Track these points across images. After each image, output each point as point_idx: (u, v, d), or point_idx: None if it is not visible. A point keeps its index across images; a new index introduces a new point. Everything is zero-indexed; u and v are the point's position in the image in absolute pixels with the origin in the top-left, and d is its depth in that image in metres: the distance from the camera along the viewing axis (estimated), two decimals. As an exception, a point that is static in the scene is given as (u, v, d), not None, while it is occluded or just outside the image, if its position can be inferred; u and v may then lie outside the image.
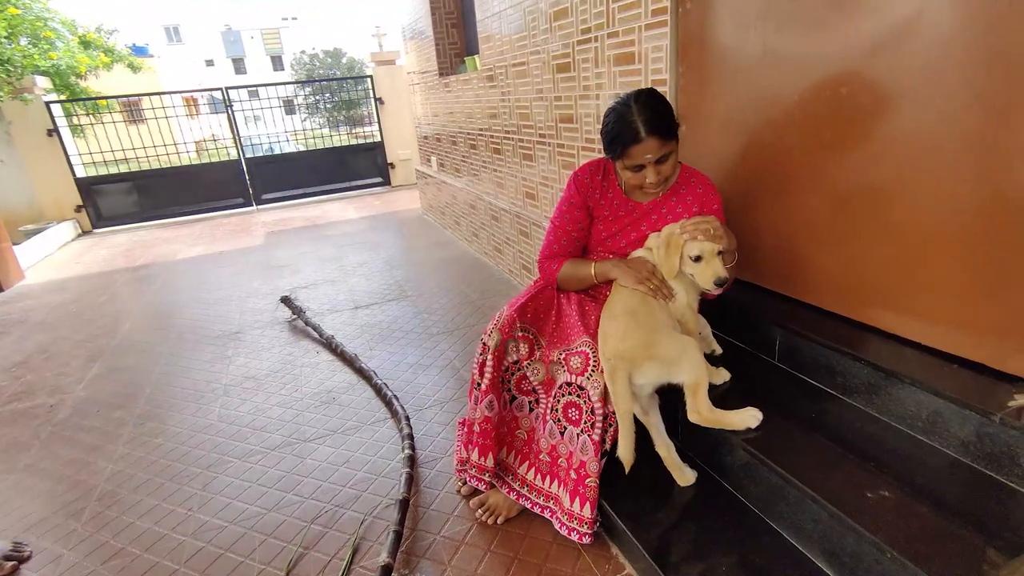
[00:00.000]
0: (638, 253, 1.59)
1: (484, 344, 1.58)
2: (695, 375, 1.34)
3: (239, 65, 38.44)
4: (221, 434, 2.18)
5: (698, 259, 1.42)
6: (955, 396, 1.18)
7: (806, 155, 1.54)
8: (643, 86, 2.00)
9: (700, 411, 1.34)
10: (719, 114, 1.79)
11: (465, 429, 1.72)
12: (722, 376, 1.55)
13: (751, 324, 1.71)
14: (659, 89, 1.91)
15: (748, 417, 1.36)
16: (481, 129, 3.88)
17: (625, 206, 1.61)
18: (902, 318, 1.41)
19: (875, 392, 1.35)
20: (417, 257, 4.49)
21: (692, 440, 1.56)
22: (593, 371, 1.43)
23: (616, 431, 1.44)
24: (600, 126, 1.49)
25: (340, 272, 4.21)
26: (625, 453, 1.34)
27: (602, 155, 1.58)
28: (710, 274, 1.42)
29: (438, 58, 4.62)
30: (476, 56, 3.83)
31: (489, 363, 1.55)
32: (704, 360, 1.38)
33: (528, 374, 1.58)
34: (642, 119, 1.38)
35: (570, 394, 1.48)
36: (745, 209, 1.76)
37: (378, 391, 2.37)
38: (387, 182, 8.15)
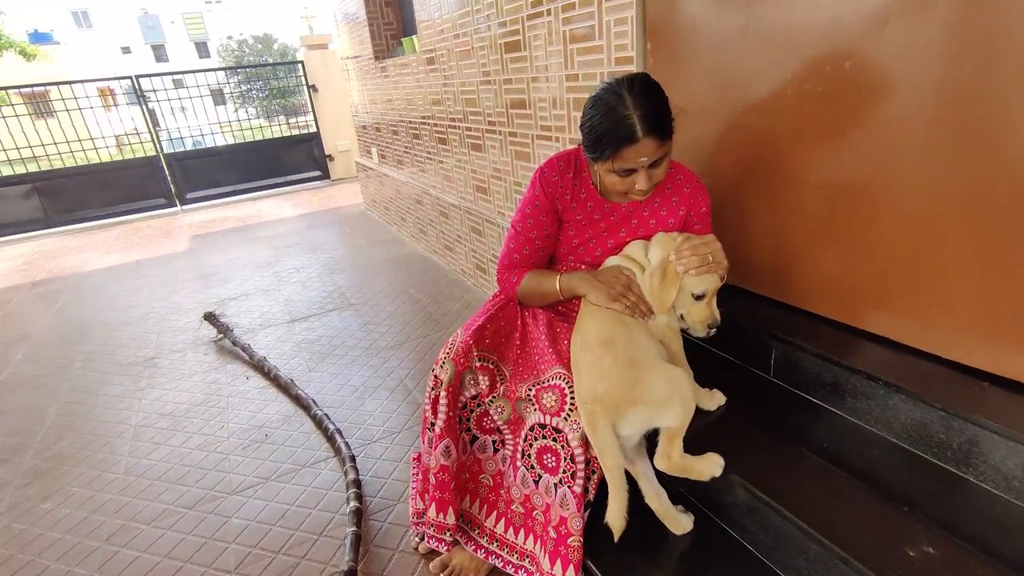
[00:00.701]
0: (612, 261, 1.35)
1: (436, 377, 1.32)
2: (682, 420, 1.12)
3: (160, 52, 35.76)
4: (128, 491, 1.82)
5: (700, 297, 1.21)
6: (992, 422, 1.01)
7: (799, 142, 1.34)
8: (605, 66, 1.77)
9: (672, 457, 1.14)
10: (696, 98, 1.56)
11: (420, 473, 1.46)
12: (716, 400, 1.35)
13: (741, 334, 1.51)
14: (624, 69, 1.68)
15: (712, 465, 1.17)
16: (423, 117, 3.56)
17: (600, 208, 1.35)
18: (917, 327, 1.23)
19: (892, 414, 1.18)
20: (361, 259, 4.13)
21: (684, 475, 1.35)
22: (571, 411, 1.19)
23: (600, 478, 1.23)
24: (580, 117, 1.20)
25: (274, 279, 3.81)
26: (617, 519, 1.10)
27: (570, 147, 1.32)
28: (707, 316, 1.21)
29: (372, 40, 4.24)
30: (414, 37, 3.48)
31: (443, 400, 1.29)
32: (693, 397, 1.16)
33: (491, 411, 1.33)
34: (639, 114, 1.11)
35: (544, 437, 1.23)
36: (730, 205, 1.55)
37: (318, 423, 2.06)
38: (326, 176, 7.65)
